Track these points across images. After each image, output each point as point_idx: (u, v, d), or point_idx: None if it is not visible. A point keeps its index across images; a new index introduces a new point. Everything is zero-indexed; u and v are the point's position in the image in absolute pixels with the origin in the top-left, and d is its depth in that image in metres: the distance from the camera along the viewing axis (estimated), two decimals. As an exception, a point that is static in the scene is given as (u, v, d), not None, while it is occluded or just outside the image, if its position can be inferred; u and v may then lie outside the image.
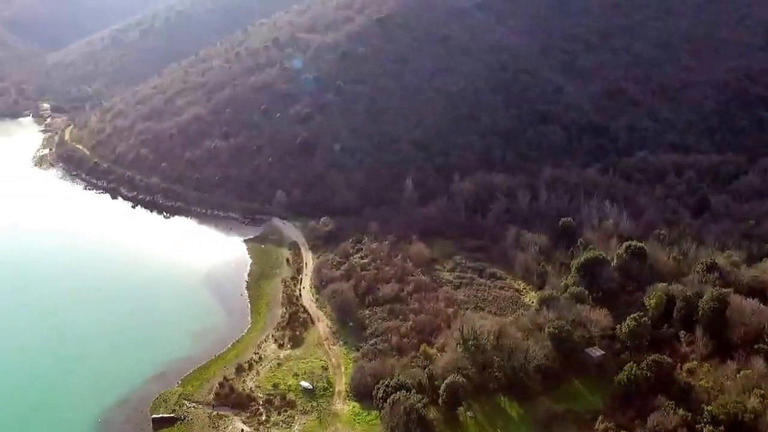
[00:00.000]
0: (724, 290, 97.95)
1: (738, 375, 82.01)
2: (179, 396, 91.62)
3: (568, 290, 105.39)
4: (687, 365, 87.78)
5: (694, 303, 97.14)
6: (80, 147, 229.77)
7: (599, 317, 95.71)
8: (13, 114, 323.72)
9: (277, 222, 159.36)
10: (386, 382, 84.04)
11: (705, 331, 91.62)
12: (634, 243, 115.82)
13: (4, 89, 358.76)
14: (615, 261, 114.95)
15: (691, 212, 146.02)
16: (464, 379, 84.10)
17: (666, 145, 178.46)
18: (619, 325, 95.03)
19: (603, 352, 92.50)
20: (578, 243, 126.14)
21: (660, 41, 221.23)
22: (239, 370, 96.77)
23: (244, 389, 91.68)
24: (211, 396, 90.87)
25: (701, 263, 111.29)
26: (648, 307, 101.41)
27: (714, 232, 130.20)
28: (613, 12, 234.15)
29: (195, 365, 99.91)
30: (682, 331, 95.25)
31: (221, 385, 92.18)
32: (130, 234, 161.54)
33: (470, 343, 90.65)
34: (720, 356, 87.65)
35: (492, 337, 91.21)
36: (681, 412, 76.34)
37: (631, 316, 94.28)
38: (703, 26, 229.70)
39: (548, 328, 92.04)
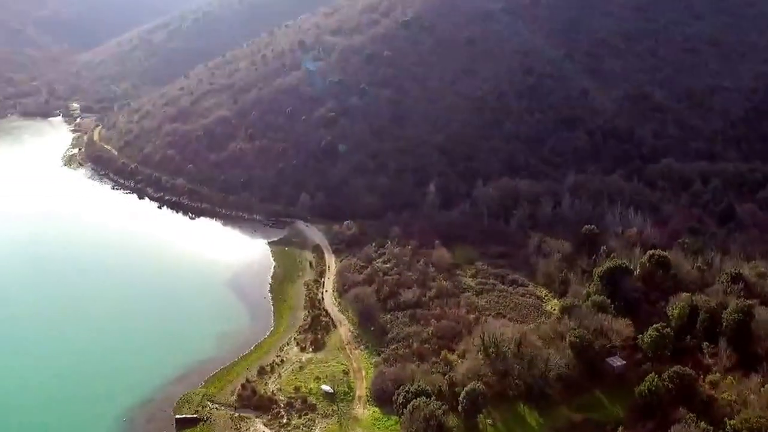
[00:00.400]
0: (749, 302, 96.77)
1: (762, 389, 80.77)
2: (202, 397, 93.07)
3: (590, 299, 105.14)
4: (710, 377, 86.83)
5: (717, 314, 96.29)
6: (108, 147, 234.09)
7: (621, 327, 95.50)
8: (45, 113, 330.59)
9: (300, 225, 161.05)
10: (406, 387, 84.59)
11: (729, 343, 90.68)
12: (657, 252, 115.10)
13: (36, 89, 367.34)
14: (638, 270, 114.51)
15: (716, 221, 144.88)
16: (484, 387, 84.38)
17: (692, 152, 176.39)
18: (641, 335, 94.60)
19: (624, 362, 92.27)
20: (601, 251, 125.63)
21: (687, 45, 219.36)
22: (261, 372, 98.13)
23: (265, 392, 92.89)
24: (234, 398, 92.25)
25: (726, 273, 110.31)
26: (671, 317, 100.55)
27: (739, 242, 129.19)
28: (638, 15, 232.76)
29: (218, 366, 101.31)
30: (705, 343, 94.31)
31: (243, 387, 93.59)
32: (156, 235, 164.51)
33: (491, 350, 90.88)
34: (744, 369, 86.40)
35: (513, 344, 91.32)
36: (702, 425, 75.15)
37: (654, 326, 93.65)
38: (732, 30, 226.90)
39: (569, 336, 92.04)
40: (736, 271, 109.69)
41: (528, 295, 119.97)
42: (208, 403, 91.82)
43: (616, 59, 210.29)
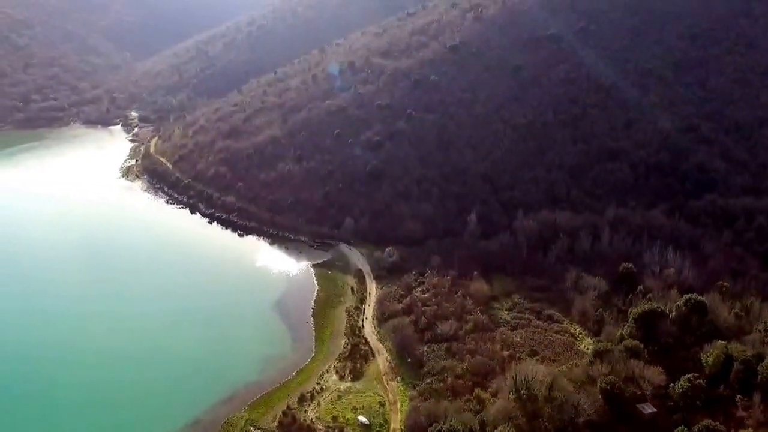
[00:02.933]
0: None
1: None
2: (246, 421, 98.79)
3: (623, 342, 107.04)
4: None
5: (753, 366, 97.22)
6: (164, 160, 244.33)
7: (653, 374, 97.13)
8: (105, 122, 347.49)
9: (344, 248, 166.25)
10: (439, 426, 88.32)
11: (764, 396, 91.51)
12: (694, 296, 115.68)
13: (98, 97, 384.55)
14: (674, 313, 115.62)
15: (759, 262, 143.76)
16: (514, 429, 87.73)
17: (737, 187, 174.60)
18: (672, 385, 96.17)
19: (655, 410, 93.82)
20: (638, 290, 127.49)
21: (737, 76, 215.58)
22: (302, 399, 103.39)
23: (305, 419, 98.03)
24: (275, 424, 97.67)
25: (764, 323, 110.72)
26: (705, 364, 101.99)
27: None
28: (690, 45, 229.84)
29: (261, 391, 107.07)
30: (738, 396, 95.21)
31: (284, 413, 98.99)
32: (207, 252, 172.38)
33: (522, 392, 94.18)
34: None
35: (544, 387, 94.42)
36: (730, 480, 77.34)
37: (686, 376, 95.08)
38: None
39: (600, 383, 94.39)
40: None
41: (562, 332, 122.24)
42: (251, 428, 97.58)
43: (664, 90, 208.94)
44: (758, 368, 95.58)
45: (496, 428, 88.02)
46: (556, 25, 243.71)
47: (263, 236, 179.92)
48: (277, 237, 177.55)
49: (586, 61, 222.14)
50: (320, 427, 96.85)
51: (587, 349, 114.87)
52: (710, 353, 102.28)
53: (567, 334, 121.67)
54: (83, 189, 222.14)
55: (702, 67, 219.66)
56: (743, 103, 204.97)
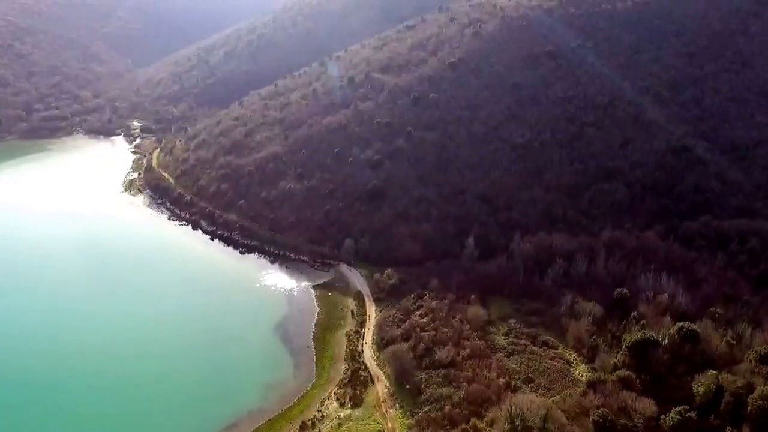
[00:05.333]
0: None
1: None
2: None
3: (617, 372, 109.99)
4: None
5: (743, 397, 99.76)
6: (166, 175, 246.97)
7: (644, 406, 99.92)
8: (108, 132, 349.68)
9: (344, 268, 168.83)
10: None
11: (752, 428, 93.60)
12: (686, 325, 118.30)
13: (101, 106, 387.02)
14: (666, 341, 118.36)
15: (751, 286, 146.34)
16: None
17: (731, 208, 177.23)
18: (663, 417, 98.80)
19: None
20: (632, 316, 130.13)
21: (733, 95, 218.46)
22: (303, 428, 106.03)
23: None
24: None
25: (754, 351, 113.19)
26: (696, 394, 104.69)
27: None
28: (687, 62, 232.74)
29: (264, 419, 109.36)
30: (728, 427, 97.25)
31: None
32: (208, 272, 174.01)
33: (517, 423, 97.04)
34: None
35: (538, 419, 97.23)
36: None
37: (676, 409, 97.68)
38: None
39: (593, 416, 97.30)
40: (765, 350, 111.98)
41: (557, 359, 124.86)
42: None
43: (660, 108, 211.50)
44: (748, 400, 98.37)
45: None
46: (554, 42, 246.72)
47: (264, 255, 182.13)
48: (279, 256, 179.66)
49: (583, 79, 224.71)
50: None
51: (581, 376, 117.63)
52: (701, 383, 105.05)
53: (562, 361, 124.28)
54: (86, 205, 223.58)
55: (698, 86, 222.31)
56: (738, 122, 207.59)
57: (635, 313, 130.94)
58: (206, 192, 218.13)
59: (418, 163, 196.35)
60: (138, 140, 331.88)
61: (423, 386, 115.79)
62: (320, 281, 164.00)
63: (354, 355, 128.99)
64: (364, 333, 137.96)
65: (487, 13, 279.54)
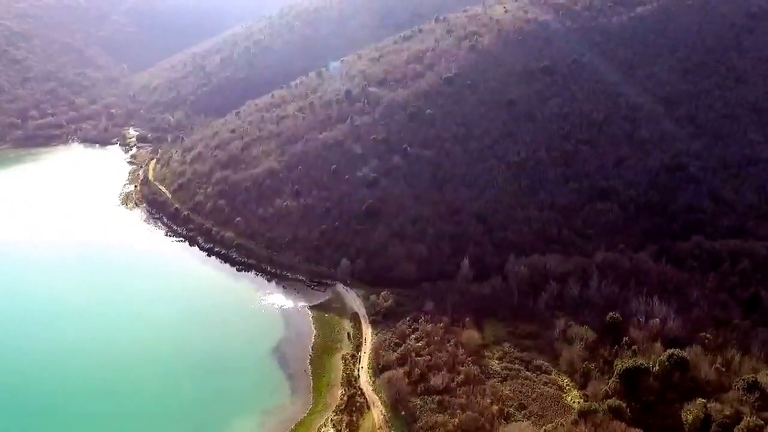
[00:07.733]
0: (761, 421, 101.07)
1: None
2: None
3: (607, 401, 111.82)
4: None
5: (729, 427, 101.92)
6: (163, 189, 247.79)
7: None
8: (103, 141, 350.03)
9: (341, 288, 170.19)
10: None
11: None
12: (677, 352, 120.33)
13: (96, 113, 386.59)
14: (657, 367, 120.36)
15: (741, 310, 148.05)
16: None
17: (724, 228, 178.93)
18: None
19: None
20: (623, 341, 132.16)
21: (726, 111, 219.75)
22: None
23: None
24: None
25: (742, 380, 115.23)
26: (685, 423, 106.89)
27: (761, 339, 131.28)
28: (681, 78, 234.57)
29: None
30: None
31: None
32: (204, 291, 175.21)
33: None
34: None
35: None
36: None
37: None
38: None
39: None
40: (753, 378, 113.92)
41: (550, 384, 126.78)
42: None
43: (654, 125, 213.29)
44: (734, 430, 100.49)
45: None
46: (549, 56, 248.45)
47: (261, 273, 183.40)
48: (275, 275, 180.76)
49: (579, 95, 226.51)
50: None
51: (573, 402, 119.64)
52: (690, 411, 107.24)
53: (554, 386, 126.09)
54: (81, 220, 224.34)
55: (692, 102, 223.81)
56: (731, 139, 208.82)
57: (627, 338, 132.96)
58: (203, 208, 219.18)
59: (415, 181, 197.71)
60: (134, 150, 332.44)
61: (418, 413, 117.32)
62: (317, 301, 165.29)
63: (350, 380, 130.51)
64: (360, 357, 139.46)
65: (483, 25, 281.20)
